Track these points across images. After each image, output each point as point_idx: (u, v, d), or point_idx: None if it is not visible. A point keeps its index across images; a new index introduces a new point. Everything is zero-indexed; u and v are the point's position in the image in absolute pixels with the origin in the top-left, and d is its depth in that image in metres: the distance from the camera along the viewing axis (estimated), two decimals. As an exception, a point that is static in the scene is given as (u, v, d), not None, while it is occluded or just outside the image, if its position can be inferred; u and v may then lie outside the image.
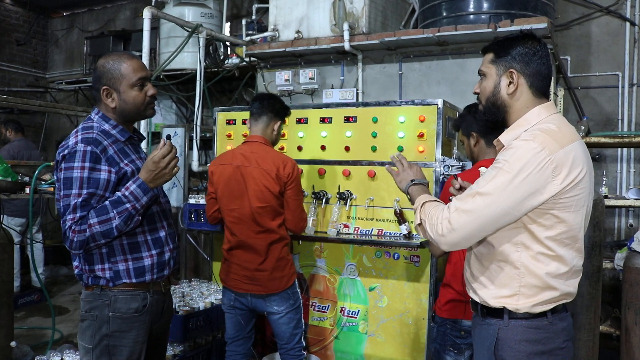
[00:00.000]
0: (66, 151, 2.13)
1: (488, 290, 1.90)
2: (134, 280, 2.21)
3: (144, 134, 4.66)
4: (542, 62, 1.88)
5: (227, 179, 3.19)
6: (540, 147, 1.71)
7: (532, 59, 1.87)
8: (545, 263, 1.81)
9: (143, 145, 4.31)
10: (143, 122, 4.78)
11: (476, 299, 1.95)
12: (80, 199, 2.06)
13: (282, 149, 3.94)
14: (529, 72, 1.87)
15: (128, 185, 2.11)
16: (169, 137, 2.19)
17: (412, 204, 2.04)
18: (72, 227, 2.05)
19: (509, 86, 1.88)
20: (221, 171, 3.23)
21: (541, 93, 1.89)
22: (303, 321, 3.33)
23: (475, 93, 2.01)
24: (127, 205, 2.08)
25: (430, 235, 1.84)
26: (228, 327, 3.31)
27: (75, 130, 2.22)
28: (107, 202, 2.08)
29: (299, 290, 3.31)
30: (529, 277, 1.82)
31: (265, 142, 3.25)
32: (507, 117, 1.91)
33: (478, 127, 2.67)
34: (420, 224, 1.91)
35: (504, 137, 1.90)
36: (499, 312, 1.88)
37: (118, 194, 2.10)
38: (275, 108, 3.28)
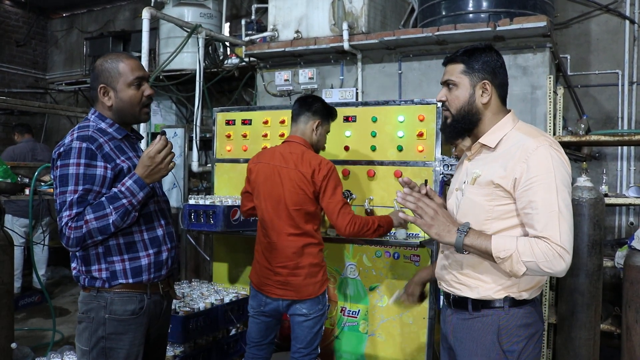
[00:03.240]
0: (62, 149, 2.12)
1: (488, 284, 1.95)
2: (130, 281, 2.19)
3: (144, 134, 4.67)
4: (504, 73, 2.04)
5: (264, 178, 3.10)
6: (555, 144, 1.89)
7: (498, 71, 2.01)
8: None
9: (142, 145, 4.31)
10: (143, 124, 4.79)
11: (471, 295, 1.98)
12: (76, 196, 2.05)
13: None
14: (497, 83, 2.01)
15: (124, 181, 2.10)
16: (163, 133, 2.18)
17: (479, 252, 1.87)
18: (69, 224, 2.04)
19: (482, 96, 1.99)
20: (259, 169, 3.13)
21: (504, 101, 2.04)
22: (323, 327, 3.18)
23: (440, 101, 2.06)
24: (124, 200, 2.07)
25: (551, 271, 1.78)
26: (252, 331, 3.19)
27: (72, 129, 2.22)
28: (103, 198, 2.07)
29: (327, 296, 3.18)
30: None
31: (305, 143, 3.12)
32: (479, 125, 2.01)
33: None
34: (524, 272, 1.80)
35: (487, 139, 1.98)
36: (495, 303, 1.94)
37: (114, 189, 2.09)
38: (312, 107, 3.14)
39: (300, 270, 3.01)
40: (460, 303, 2.02)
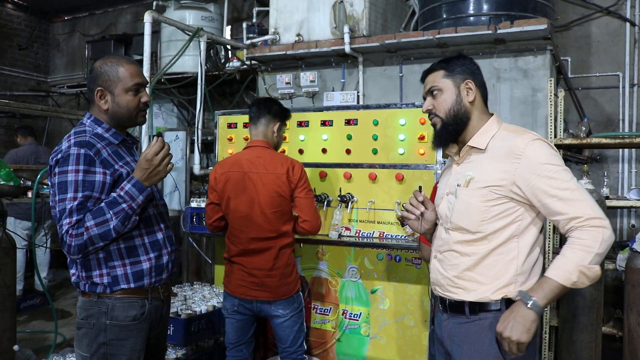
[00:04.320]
0: (59, 155, 2.10)
1: (485, 286, 1.97)
2: (132, 285, 2.18)
3: (145, 138, 4.68)
4: (482, 75, 2.12)
5: (233, 185, 3.13)
6: (542, 138, 1.96)
7: (477, 72, 2.09)
8: (535, 250, 1.98)
9: (144, 147, 4.32)
10: (144, 126, 4.79)
11: (467, 297, 1.99)
12: (76, 203, 2.03)
13: (283, 152, 3.94)
14: (478, 83, 2.07)
15: (123, 185, 2.08)
16: (159, 134, 2.18)
17: (556, 297, 1.88)
18: (69, 232, 2.02)
19: (468, 95, 2.04)
20: (227, 178, 3.16)
21: (486, 103, 2.13)
22: (305, 324, 3.31)
23: (428, 111, 2.10)
24: (124, 205, 2.06)
25: (607, 245, 1.81)
26: (229, 332, 3.27)
27: (67, 135, 2.19)
28: (102, 204, 2.05)
29: (302, 293, 3.30)
30: (523, 264, 1.95)
31: (268, 145, 3.21)
32: (468, 126, 2.05)
33: None
34: (598, 269, 1.82)
35: (476, 141, 2.03)
36: (492, 305, 1.96)
37: (113, 194, 2.07)
38: (272, 110, 3.25)
39: (276, 271, 3.10)
40: (456, 307, 2.03)
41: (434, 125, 2.10)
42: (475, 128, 2.04)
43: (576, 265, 1.78)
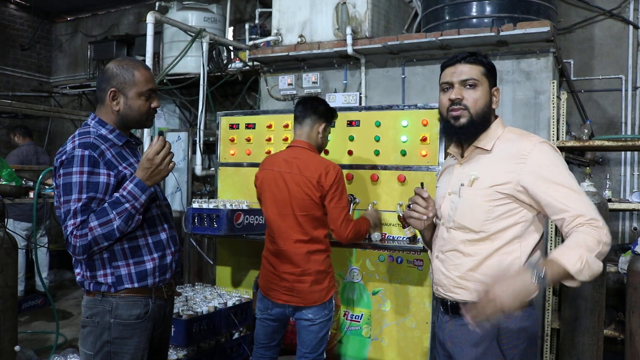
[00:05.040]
0: (64, 157, 2.11)
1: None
2: (136, 285, 2.19)
3: (147, 139, 4.68)
4: None
5: (269, 185, 3.08)
6: (547, 141, 1.97)
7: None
8: (536, 253, 1.97)
9: (146, 146, 4.32)
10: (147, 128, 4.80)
11: (470, 298, 1.93)
12: (80, 204, 2.05)
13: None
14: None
15: (125, 185, 2.10)
16: (161, 133, 2.19)
17: (558, 280, 1.77)
18: (74, 232, 2.04)
19: (494, 101, 2.04)
20: (264, 177, 3.12)
21: None
22: (329, 332, 3.18)
23: (457, 100, 1.97)
24: (127, 205, 2.07)
25: (607, 246, 1.78)
26: (260, 333, 3.18)
27: (72, 136, 2.20)
28: (106, 205, 2.07)
29: (334, 302, 3.16)
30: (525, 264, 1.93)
31: (310, 147, 3.08)
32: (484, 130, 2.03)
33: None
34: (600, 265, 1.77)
35: (483, 142, 2.02)
36: None
37: (116, 195, 2.09)
38: (318, 110, 3.11)
39: (307, 277, 2.99)
40: (457, 308, 2.01)
41: (456, 117, 1.99)
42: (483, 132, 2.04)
43: (583, 254, 1.71)
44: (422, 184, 2.15)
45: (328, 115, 3.16)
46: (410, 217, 2.13)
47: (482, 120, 1.99)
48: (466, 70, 1.99)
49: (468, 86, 1.98)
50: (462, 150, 2.09)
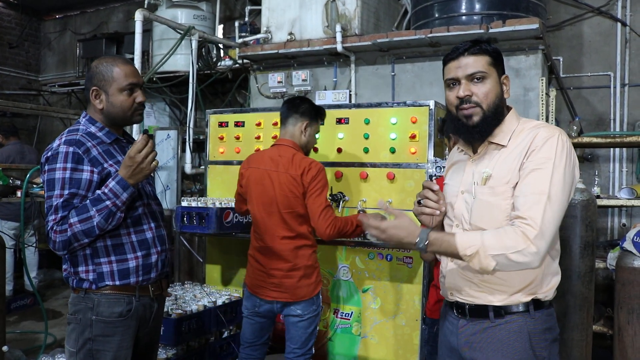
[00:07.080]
0: (49, 153, 2.15)
1: (512, 288, 1.84)
2: (117, 283, 2.19)
3: (136, 136, 4.66)
4: None
5: (255, 182, 3.10)
6: (564, 135, 1.79)
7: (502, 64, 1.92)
8: (556, 249, 1.89)
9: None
10: (136, 125, 4.77)
11: (493, 301, 1.85)
12: (61, 200, 2.07)
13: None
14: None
15: (107, 183, 2.11)
16: (145, 132, 2.18)
17: (445, 252, 1.80)
18: (54, 228, 2.06)
19: (505, 89, 1.88)
20: (250, 174, 3.14)
21: None
22: (317, 328, 3.19)
23: (466, 97, 1.83)
24: (107, 202, 2.07)
25: (522, 260, 1.68)
26: (246, 332, 3.20)
27: (61, 133, 2.23)
28: (87, 201, 2.08)
29: (321, 297, 3.17)
30: (548, 265, 1.85)
31: (294, 145, 3.10)
32: (498, 124, 1.87)
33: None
34: (494, 267, 1.70)
35: (498, 137, 1.86)
36: (520, 307, 1.84)
37: (98, 192, 2.10)
38: (300, 109, 3.12)
39: (295, 272, 3.02)
40: (478, 311, 1.89)
41: (468, 116, 1.84)
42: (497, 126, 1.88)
43: (481, 246, 1.67)
44: (430, 177, 2.03)
45: (312, 113, 3.16)
46: (422, 214, 1.97)
47: (496, 115, 1.84)
48: (471, 63, 1.83)
49: (476, 80, 1.82)
50: (474, 146, 1.93)
